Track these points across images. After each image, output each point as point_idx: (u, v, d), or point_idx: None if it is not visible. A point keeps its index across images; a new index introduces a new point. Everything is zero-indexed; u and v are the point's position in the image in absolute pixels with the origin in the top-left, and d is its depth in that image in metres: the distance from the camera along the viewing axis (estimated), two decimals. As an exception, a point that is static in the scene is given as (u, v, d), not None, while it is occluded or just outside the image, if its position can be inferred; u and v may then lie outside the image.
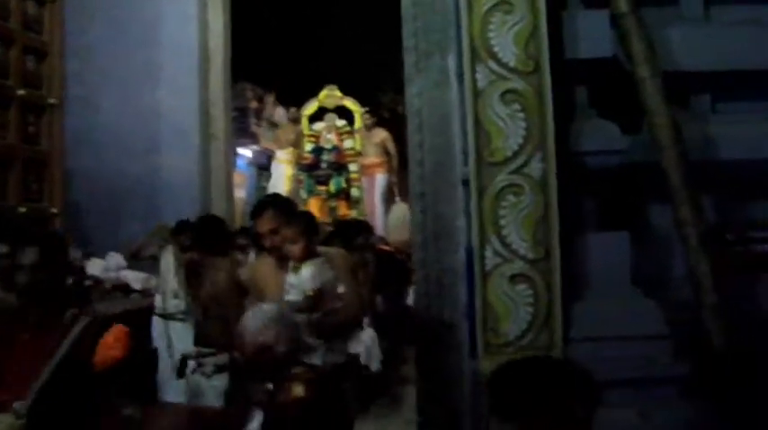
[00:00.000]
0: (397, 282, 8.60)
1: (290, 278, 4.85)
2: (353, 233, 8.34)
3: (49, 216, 6.59)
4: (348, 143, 15.32)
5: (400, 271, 8.33)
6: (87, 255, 8.58)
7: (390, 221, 13.26)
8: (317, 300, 4.74)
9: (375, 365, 7.16)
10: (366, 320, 7.06)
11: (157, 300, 7.14)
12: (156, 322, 6.99)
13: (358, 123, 15.37)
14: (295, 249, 4.78)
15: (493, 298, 4.10)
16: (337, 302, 4.87)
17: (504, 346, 4.05)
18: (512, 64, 4.13)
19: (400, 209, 12.43)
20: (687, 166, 4.21)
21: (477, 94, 4.13)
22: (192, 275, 6.93)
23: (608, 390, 4.08)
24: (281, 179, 14.64)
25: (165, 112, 9.33)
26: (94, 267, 8.37)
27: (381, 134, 14.49)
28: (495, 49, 4.13)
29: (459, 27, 4.29)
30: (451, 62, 4.50)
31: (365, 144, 14.87)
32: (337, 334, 5.02)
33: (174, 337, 6.81)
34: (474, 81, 4.14)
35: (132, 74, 9.30)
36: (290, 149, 14.82)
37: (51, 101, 6.59)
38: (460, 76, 4.31)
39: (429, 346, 4.70)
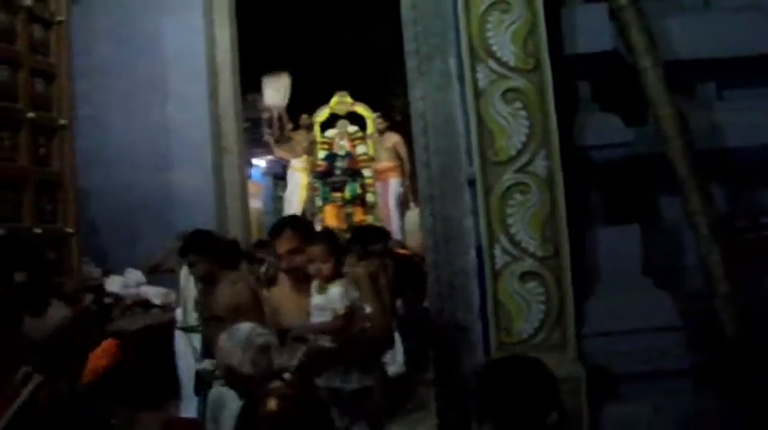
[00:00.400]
0: (415, 285, 8.61)
1: (316, 299, 4.62)
2: (371, 239, 8.38)
3: (65, 236, 6.61)
4: (361, 149, 15.25)
5: (418, 274, 8.35)
6: (106, 273, 8.67)
7: (407, 227, 13.26)
8: (349, 318, 4.56)
9: (395, 369, 7.05)
10: None
11: (178, 313, 7.18)
12: (179, 336, 7.02)
13: (370, 129, 15.31)
14: (324, 268, 4.55)
15: (504, 297, 4.11)
16: (365, 322, 4.75)
17: (517, 345, 4.05)
18: (511, 62, 4.14)
19: (415, 214, 12.43)
20: (694, 156, 4.22)
21: (478, 94, 4.15)
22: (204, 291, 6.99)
23: (621, 384, 4.12)
24: (297, 188, 14.65)
25: (174, 128, 9.44)
26: (113, 284, 8.44)
27: (393, 138, 14.47)
28: (494, 48, 4.15)
29: (458, 29, 4.31)
30: (452, 64, 4.51)
31: (378, 149, 14.83)
32: (369, 354, 4.91)
33: (199, 349, 6.84)
34: (475, 81, 4.16)
35: (140, 91, 9.44)
36: (305, 157, 14.82)
37: (61, 122, 6.63)
38: (462, 77, 4.32)
39: (445, 348, 4.71)
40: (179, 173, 9.35)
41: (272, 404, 3.36)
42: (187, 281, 6.92)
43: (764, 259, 4.51)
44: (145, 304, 8.37)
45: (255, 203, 13.17)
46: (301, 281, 4.71)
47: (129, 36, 9.49)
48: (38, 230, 6.27)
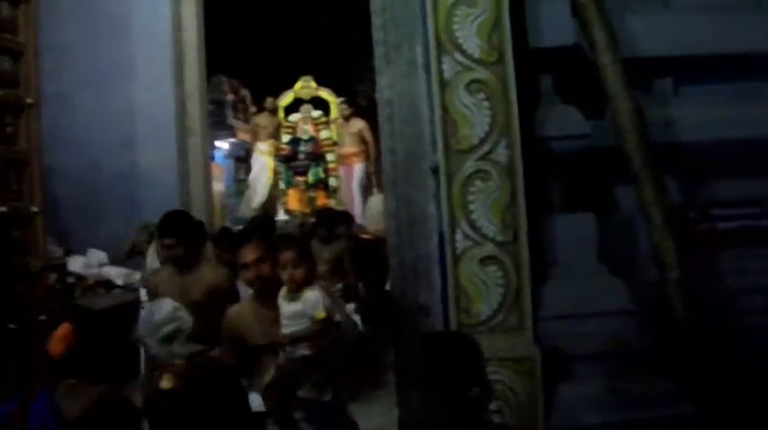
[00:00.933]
0: (376, 269, 8.74)
1: (289, 307, 4.30)
2: (337, 221, 8.55)
3: (30, 215, 6.63)
4: (325, 133, 15.42)
5: (380, 258, 8.48)
6: (68, 252, 8.68)
7: (368, 212, 13.30)
8: (327, 323, 4.26)
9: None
10: (353, 307, 7.26)
11: (143, 294, 7.26)
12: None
13: (334, 113, 15.45)
14: (297, 274, 4.25)
15: (464, 280, 4.25)
16: (336, 331, 4.38)
17: (476, 326, 4.19)
18: (476, 55, 4.26)
19: (377, 199, 12.50)
20: (649, 149, 4.37)
21: (443, 84, 4.27)
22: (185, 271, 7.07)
23: (575, 365, 4.28)
24: (264, 171, 14.62)
25: (140, 108, 9.48)
26: (76, 264, 8.47)
27: (358, 124, 14.51)
28: (460, 40, 4.27)
29: (425, 20, 4.42)
30: (419, 53, 4.64)
31: (342, 134, 14.91)
32: (341, 365, 4.51)
33: None
34: (440, 72, 4.27)
35: (106, 70, 9.45)
36: (270, 141, 14.85)
37: (28, 100, 6.63)
38: (428, 67, 4.45)
39: (406, 329, 4.84)
40: (144, 153, 9.39)
41: (165, 382, 3.49)
42: (154, 262, 7.01)
43: (714, 249, 4.69)
44: (107, 284, 8.43)
45: (217, 186, 13.20)
46: (265, 292, 4.49)
47: (96, 15, 9.50)
48: (2, 209, 6.28)
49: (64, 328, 3.82)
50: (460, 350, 2.75)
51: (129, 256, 8.19)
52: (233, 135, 15.48)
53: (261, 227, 8.37)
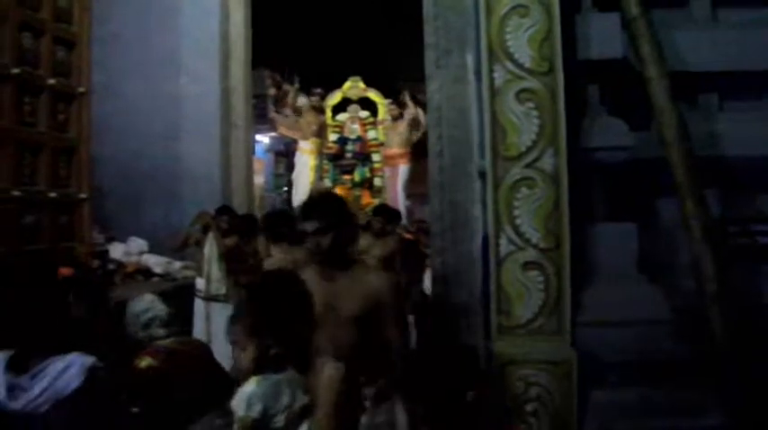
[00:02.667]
0: (416, 268, 8.67)
1: None
2: (391, 218, 8.30)
3: (78, 201, 6.78)
4: (372, 134, 15.43)
5: (419, 258, 8.44)
6: (109, 239, 8.82)
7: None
8: None
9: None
10: None
11: (199, 283, 7.49)
12: (198, 303, 7.41)
13: (381, 115, 15.50)
14: None
15: (506, 283, 4.36)
16: None
17: (515, 328, 4.30)
18: (527, 65, 4.37)
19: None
20: (692, 162, 4.44)
21: (494, 92, 4.38)
22: (232, 260, 7.26)
23: (611, 371, 4.36)
24: (305, 169, 14.61)
25: (185, 100, 9.55)
26: (116, 251, 8.60)
27: (404, 122, 14.52)
28: (512, 50, 4.38)
29: (477, 27, 4.54)
30: (470, 60, 4.75)
31: (389, 135, 14.91)
32: None
33: (213, 317, 7.15)
34: (491, 80, 4.39)
35: (153, 61, 9.52)
36: (314, 140, 14.78)
37: (80, 89, 6.77)
38: (478, 73, 4.56)
39: (445, 329, 4.94)
40: (188, 144, 9.46)
41: (141, 362, 3.70)
42: (212, 253, 7.20)
43: (753, 263, 4.75)
44: (146, 272, 8.55)
45: (257, 179, 13.26)
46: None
47: (145, 6, 9.59)
48: (52, 194, 6.42)
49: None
50: (457, 360, 2.85)
51: (183, 248, 8.31)
52: (273, 129, 15.54)
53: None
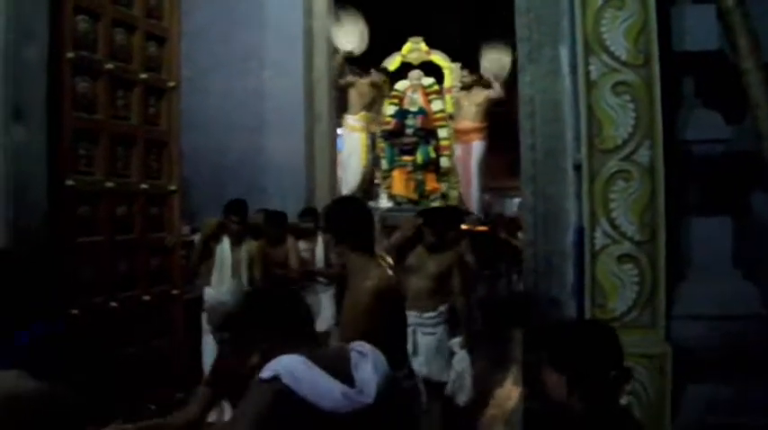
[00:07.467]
0: (498, 263, 8.39)
1: None
2: (448, 225, 6.43)
3: (168, 193, 6.94)
4: (437, 105, 12.78)
5: (503, 251, 8.15)
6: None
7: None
8: None
9: (463, 398, 5.77)
10: (460, 340, 5.81)
11: (209, 293, 7.30)
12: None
13: (448, 82, 12.88)
14: None
15: (601, 276, 4.38)
16: None
17: (610, 321, 4.28)
18: (623, 57, 4.38)
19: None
20: (788, 156, 4.40)
21: (590, 85, 4.40)
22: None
23: (705, 366, 4.34)
24: (356, 150, 12.32)
25: (270, 93, 9.66)
26: (201, 242, 8.73)
27: (483, 93, 12.13)
28: (608, 43, 4.39)
29: (572, 20, 4.55)
30: (563, 53, 4.77)
31: (462, 106, 12.37)
32: None
33: None
34: (587, 73, 4.40)
35: (238, 56, 9.66)
36: (363, 113, 12.32)
37: (170, 84, 6.92)
38: (573, 66, 4.58)
39: (536, 322, 4.96)
40: (272, 138, 9.58)
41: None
42: (225, 255, 7.29)
43: None
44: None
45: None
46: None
47: (231, 2, 9.77)
48: (144, 186, 6.58)
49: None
50: (606, 338, 2.86)
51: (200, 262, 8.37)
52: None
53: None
